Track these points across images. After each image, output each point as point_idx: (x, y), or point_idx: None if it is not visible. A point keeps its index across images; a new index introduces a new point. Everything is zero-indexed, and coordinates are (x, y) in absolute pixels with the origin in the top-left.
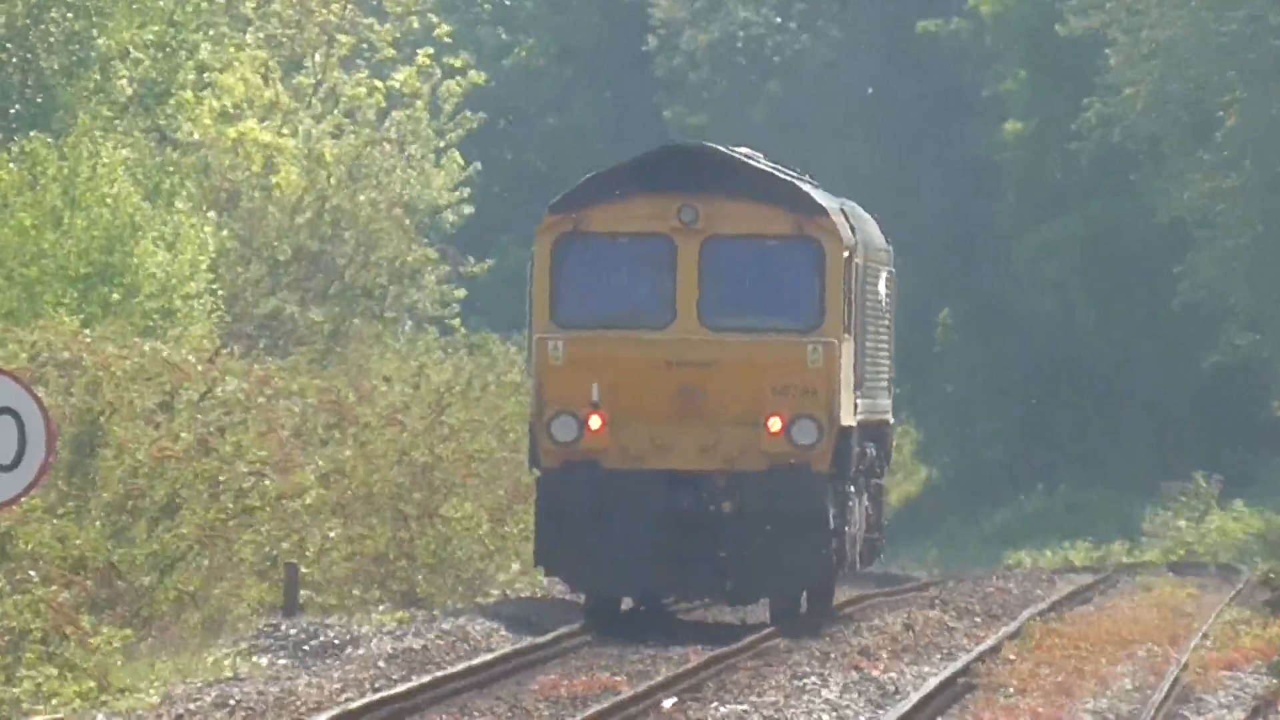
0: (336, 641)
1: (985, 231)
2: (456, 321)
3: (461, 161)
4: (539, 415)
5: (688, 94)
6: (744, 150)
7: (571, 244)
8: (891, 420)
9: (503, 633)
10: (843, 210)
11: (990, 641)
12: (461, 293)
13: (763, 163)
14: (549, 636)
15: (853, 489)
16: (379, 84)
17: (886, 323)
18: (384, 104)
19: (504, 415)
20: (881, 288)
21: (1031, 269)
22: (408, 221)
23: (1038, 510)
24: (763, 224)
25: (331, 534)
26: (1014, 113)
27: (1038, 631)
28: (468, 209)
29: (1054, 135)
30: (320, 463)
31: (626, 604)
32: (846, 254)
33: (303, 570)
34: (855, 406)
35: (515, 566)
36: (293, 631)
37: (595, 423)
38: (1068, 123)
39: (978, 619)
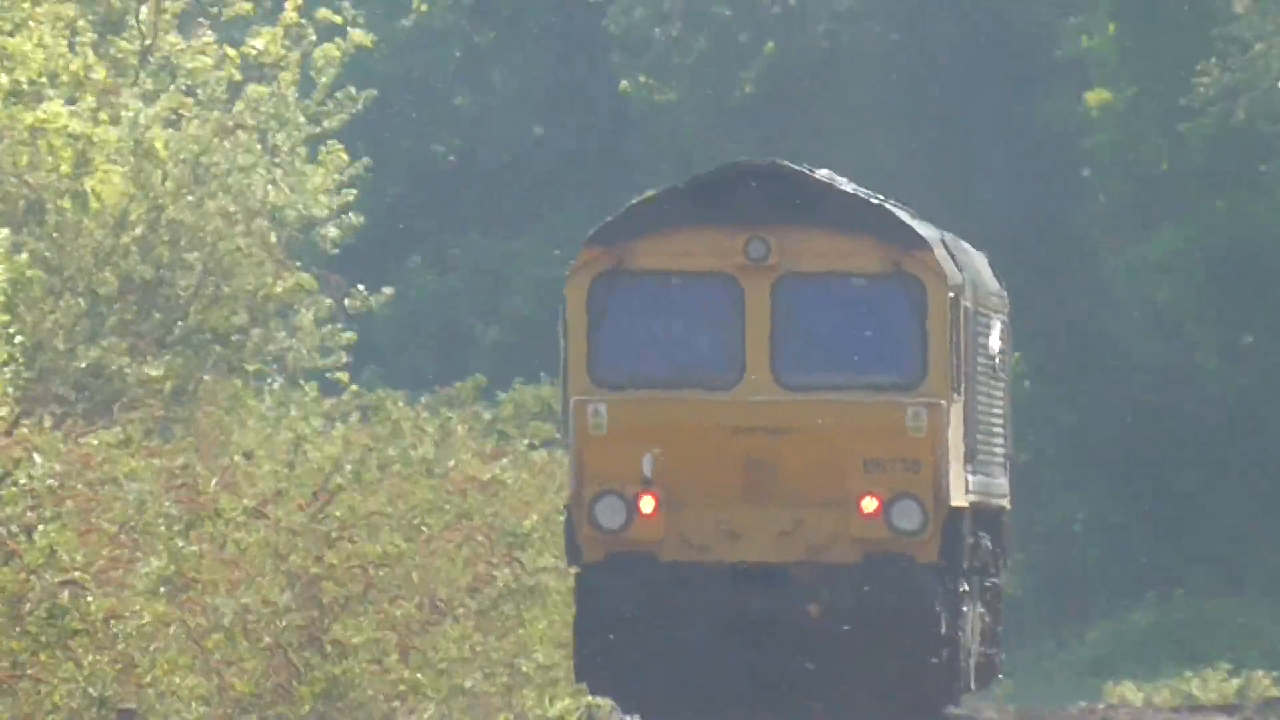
0: None
1: (1067, 242)
2: (344, 376)
3: (345, 155)
4: (578, 497)
5: (653, 58)
6: (823, 172)
7: (615, 285)
8: (1009, 506)
9: None
10: (944, 243)
11: None
12: (350, 336)
13: (846, 185)
14: None
15: (966, 588)
16: (230, 51)
17: (1001, 383)
18: (238, 78)
19: (413, 505)
20: (994, 340)
21: (1131, 294)
22: (274, 238)
23: (1150, 626)
24: (850, 259)
25: (181, 669)
26: (1100, 79)
27: None
28: (356, 220)
29: (1156, 110)
30: (164, 570)
31: None
32: (953, 295)
33: (141, 718)
34: (967, 484)
35: (431, 709)
36: None
37: (648, 505)
38: (1176, 94)
39: None
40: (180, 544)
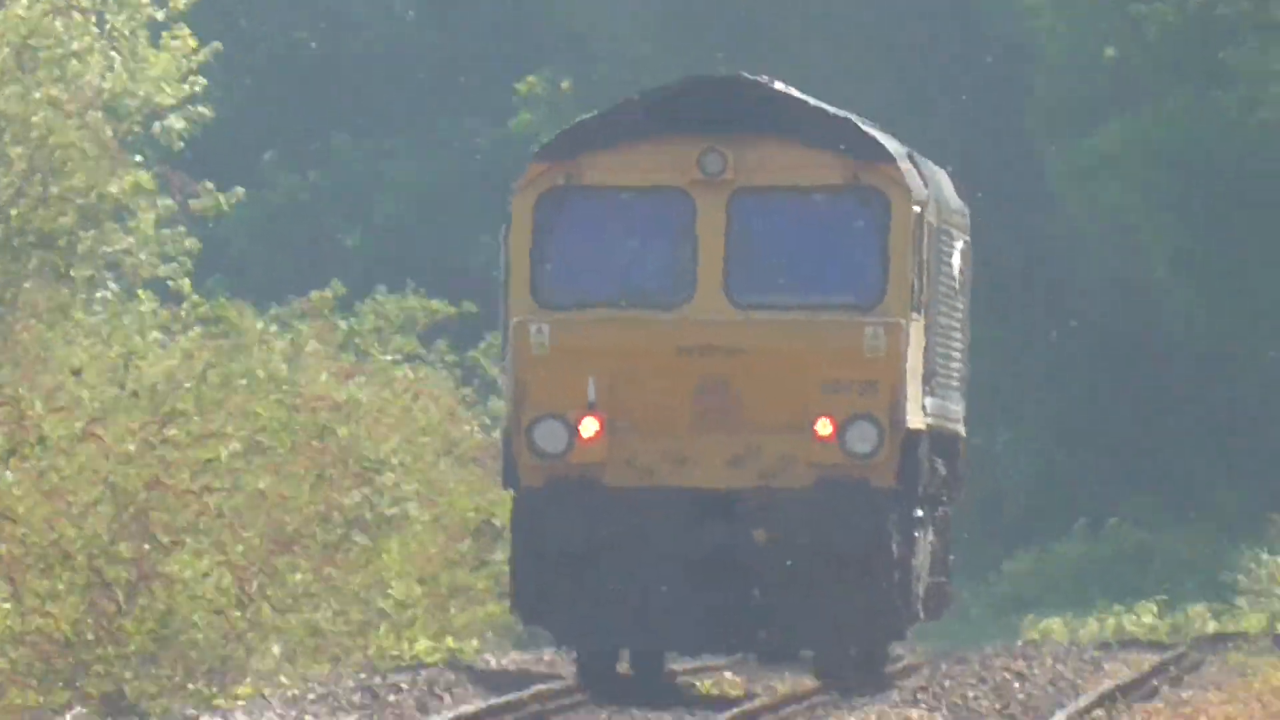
0: None
1: (1015, 148)
2: (186, 284)
3: (193, 41)
4: (516, 420)
5: None
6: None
7: (562, 201)
8: (964, 432)
9: None
10: (910, 157)
11: None
12: (192, 241)
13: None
14: None
15: (920, 514)
16: None
17: (961, 305)
18: None
19: (259, 425)
20: (956, 259)
21: (1078, 198)
22: (110, 132)
23: (1078, 557)
24: (809, 173)
25: None
26: None
27: None
28: (203, 112)
29: None
30: None
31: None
32: (917, 210)
33: None
34: (924, 407)
35: (275, 650)
36: None
37: (590, 428)
38: None
39: None
40: None
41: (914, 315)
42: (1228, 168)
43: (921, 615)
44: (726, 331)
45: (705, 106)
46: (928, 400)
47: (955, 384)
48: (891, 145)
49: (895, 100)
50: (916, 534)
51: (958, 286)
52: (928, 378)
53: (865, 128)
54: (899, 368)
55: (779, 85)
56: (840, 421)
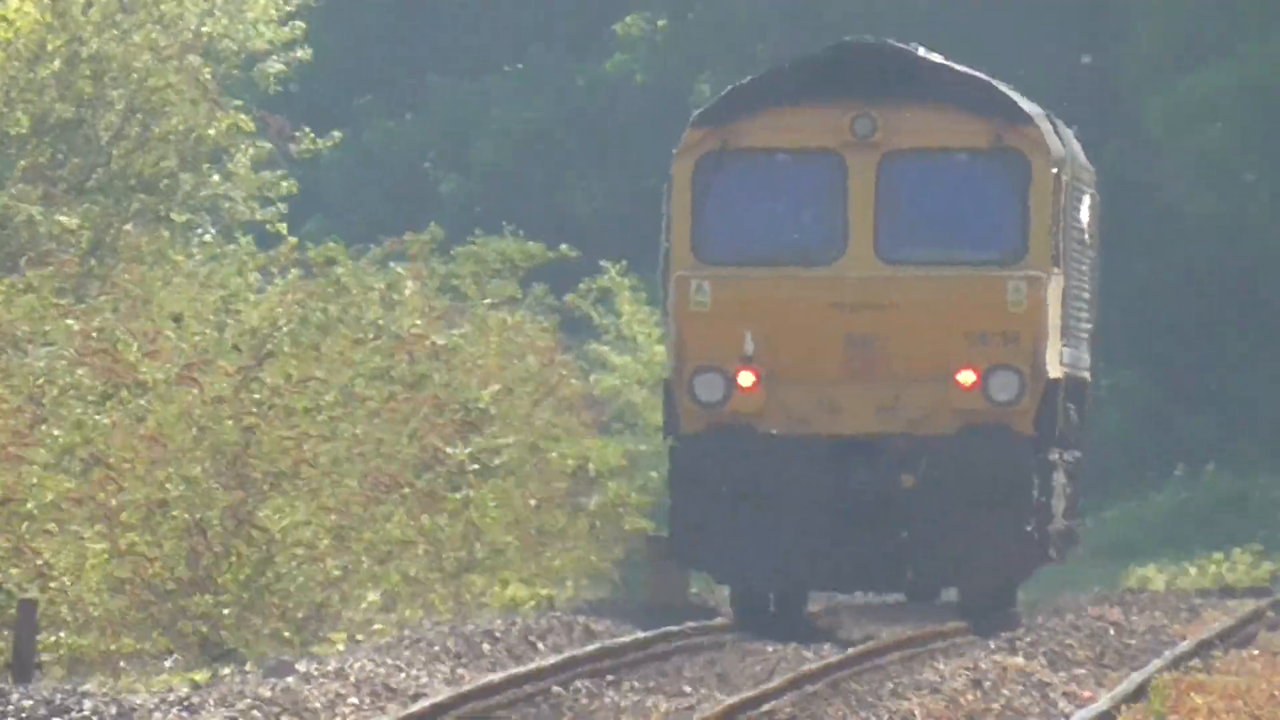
0: (94, 718)
1: (1102, 87)
2: (283, 227)
3: None
4: (678, 372)
5: None
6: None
7: (719, 164)
8: (1090, 380)
9: (351, 701)
10: (1049, 118)
11: (1101, 704)
12: (291, 185)
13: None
14: (419, 707)
15: (1057, 458)
16: None
17: (1090, 258)
18: None
19: (357, 372)
20: (1085, 215)
21: (1174, 141)
22: (208, 75)
23: (1176, 505)
24: (954, 135)
25: (90, 553)
26: None
27: (1174, 691)
28: (301, 55)
29: None
30: (70, 443)
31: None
32: (1055, 170)
33: (44, 608)
34: (1061, 356)
35: (370, 598)
36: (28, 704)
37: (747, 379)
38: None
39: (1082, 670)
40: (92, 416)
41: (1053, 269)
42: None
43: (1054, 555)
44: (876, 287)
45: (854, 73)
46: (1064, 350)
47: (1085, 334)
48: (1030, 107)
49: (995, 44)
50: (1053, 478)
51: (1088, 240)
52: (1065, 329)
53: (1005, 90)
54: (1040, 320)
55: (923, 51)
56: (983, 371)
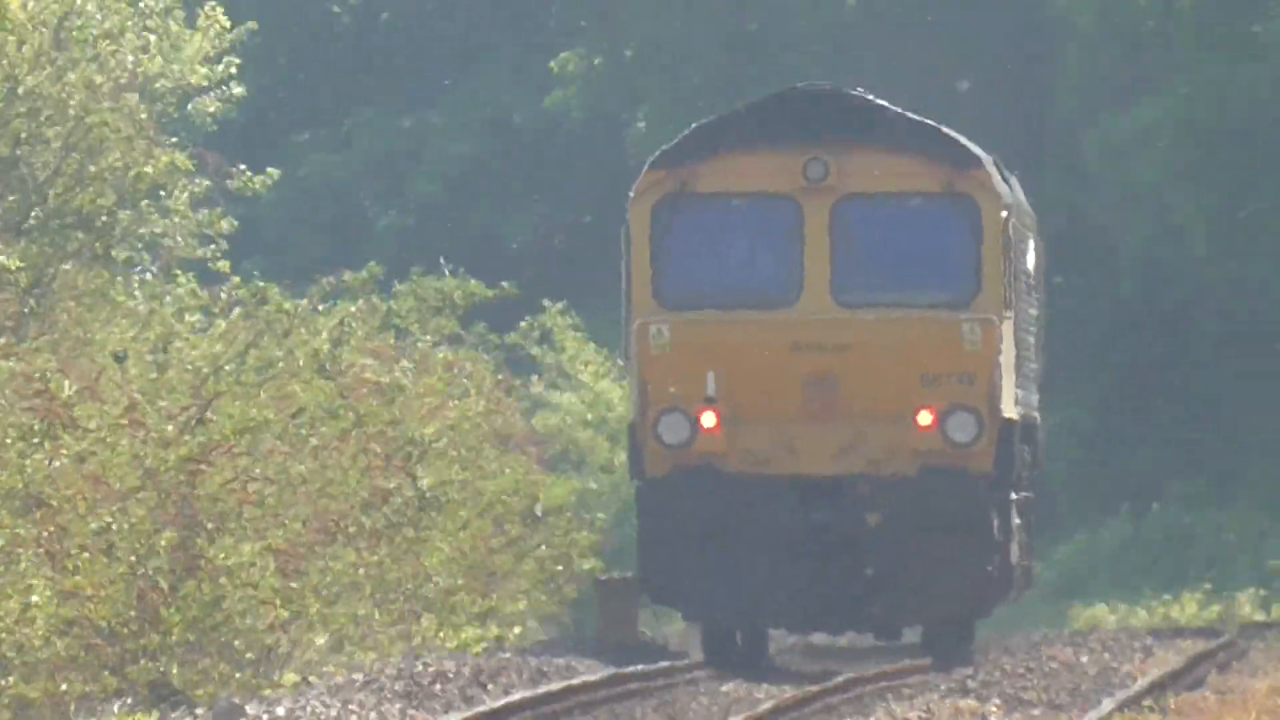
0: None
1: (1047, 125)
2: (224, 265)
3: (225, 21)
4: (642, 414)
5: None
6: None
7: (677, 208)
8: (1039, 420)
9: None
10: (995, 164)
11: None
12: (230, 223)
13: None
14: None
15: (1014, 497)
16: None
17: (1036, 302)
18: None
19: (300, 408)
20: (1030, 258)
21: (1110, 174)
22: (145, 114)
23: (1123, 543)
24: (906, 180)
25: (36, 595)
26: None
27: None
28: (238, 92)
29: None
30: (11, 484)
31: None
32: (1005, 214)
33: None
34: (1015, 397)
35: (321, 639)
36: None
37: (710, 420)
38: None
39: (1035, 711)
40: (33, 457)
41: (1005, 311)
42: (1264, 142)
43: (1014, 593)
44: (833, 329)
45: (807, 118)
46: (1018, 391)
47: (1034, 375)
48: (979, 152)
49: (925, 79)
50: (1011, 517)
51: (1033, 283)
52: (1018, 369)
53: (955, 136)
54: (994, 360)
55: (873, 98)
56: (940, 412)
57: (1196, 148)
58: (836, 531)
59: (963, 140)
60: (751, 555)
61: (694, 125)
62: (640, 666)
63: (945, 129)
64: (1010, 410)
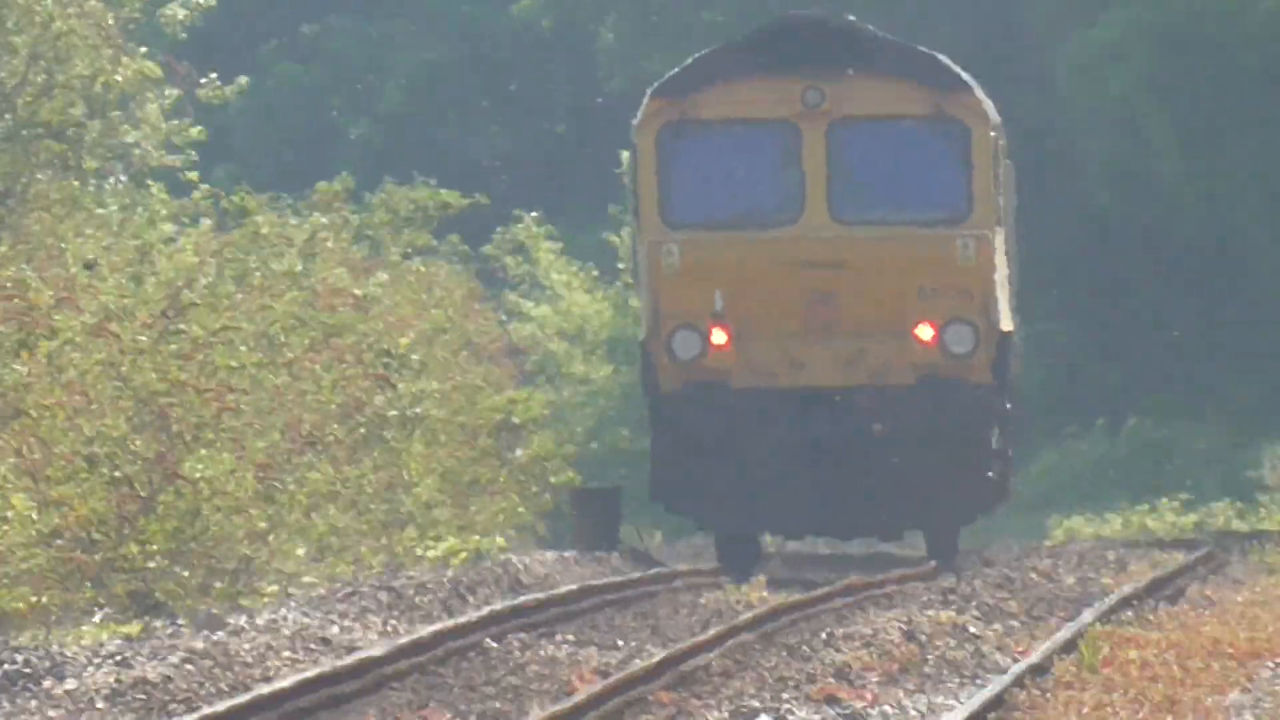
0: (28, 671)
1: (1013, 35)
2: (194, 175)
3: None
4: (654, 331)
5: None
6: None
7: (681, 134)
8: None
9: (285, 654)
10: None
11: (1033, 658)
12: (200, 132)
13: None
14: (352, 660)
15: (1010, 406)
16: None
17: (1011, 215)
18: None
19: (274, 320)
20: (1002, 173)
21: (1080, 88)
22: (111, 20)
23: (1100, 456)
24: (898, 104)
25: (14, 506)
26: None
27: (1105, 642)
28: (204, 1)
29: None
30: None
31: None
32: (994, 135)
33: None
34: (1008, 310)
35: (300, 551)
36: None
37: (720, 337)
38: None
39: (1013, 622)
40: (10, 365)
41: (997, 227)
42: (1233, 53)
43: (1004, 501)
44: (832, 246)
45: (803, 47)
46: (1009, 304)
47: (1012, 288)
48: (968, 77)
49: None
50: (1009, 424)
51: (1012, 201)
52: (1008, 284)
53: (945, 62)
54: (989, 275)
55: (868, 26)
56: (940, 326)
57: (1167, 60)
58: (841, 441)
59: (952, 65)
60: (760, 466)
61: (695, 56)
62: (617, 578)
63: (936, 54)
64: (1005, 322)
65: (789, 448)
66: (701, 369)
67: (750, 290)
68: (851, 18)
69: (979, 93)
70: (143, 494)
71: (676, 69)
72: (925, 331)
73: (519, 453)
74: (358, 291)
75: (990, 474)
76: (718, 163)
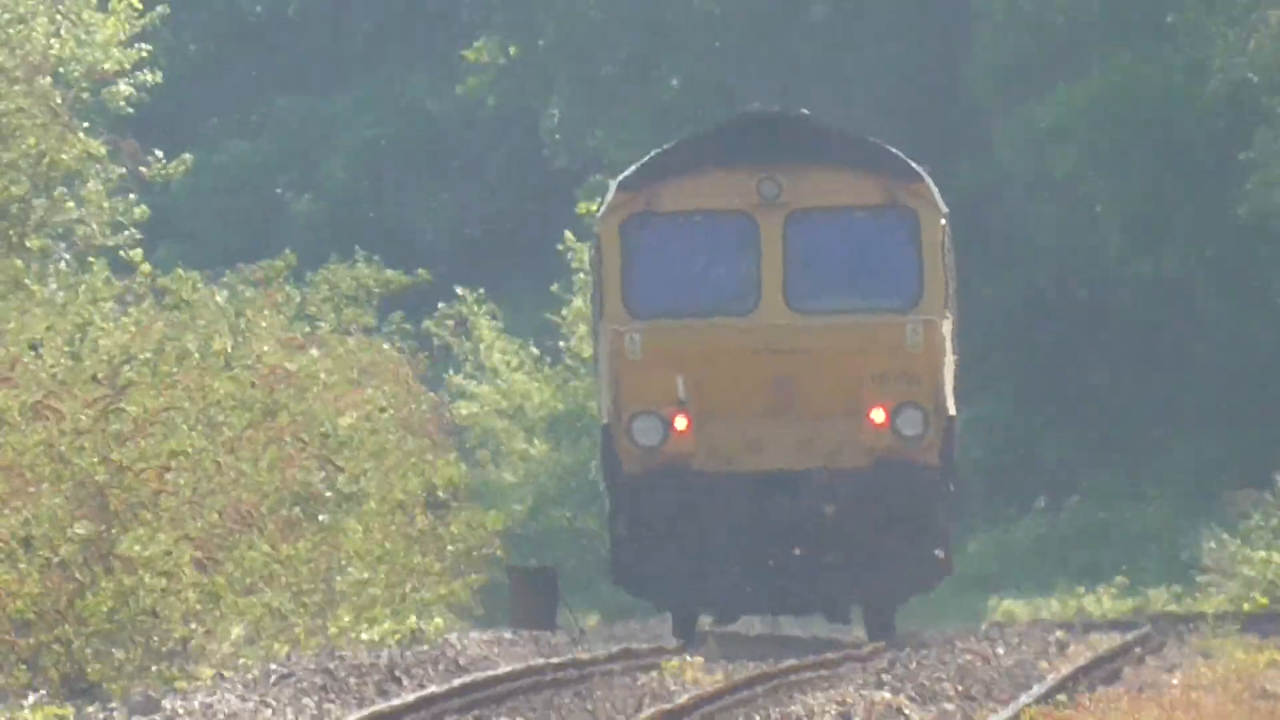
0: None
1: (958, 112)
2: (137, 254)
3: (139, 3)
4: (616, 417)
5: None
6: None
7: (644, 225)
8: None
9: None
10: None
11: None
12: (143, 211)
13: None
14: None
15: (953, 488)
16: None
17: (954, 300)
18: None
19: (214, 400)
20: (948, 260)
21: (1025, 164)
22: (59, 99)
23: (1038, 536)
24: (851, 194)
25: None
26: None
27: None
28: (152, 78)
29: None
30: None
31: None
32: (943, 223)
33: None
34: (953, 393)
35: (236, 631)
36: None
37: (681, 423)
38: None
39: (949, 705)
40: None
41: (945, 313)
42: (1178, 132)
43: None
44: (789, 333)
45: (759, 140)
46: (955, 387)
47: (956, 372)
48: (917, 168)
49: (837, 68)
50: (950, 504)
51: (954, 285)
52: (955, 367)
53: (895, 152)
54: (937, 360)
55: (820, 119)
56: (891, 409)
57: (1110, 137)
58: (796, 521)
59: (901, 156)
60: (719, 547)
61: (655, 151)
62: (555, 659)
63: (886, 145)
64: (952, 407)
65: (747, 528)
66: (663, 453)
67: (710, 376)
68: (804, 110)
69: (929, 182)
70: (80, 577)
71: (639, 163)
72: (878, 415)
73: (452, 524)
74: (290, 365)
75: (937, 551)
76: (679, 253)
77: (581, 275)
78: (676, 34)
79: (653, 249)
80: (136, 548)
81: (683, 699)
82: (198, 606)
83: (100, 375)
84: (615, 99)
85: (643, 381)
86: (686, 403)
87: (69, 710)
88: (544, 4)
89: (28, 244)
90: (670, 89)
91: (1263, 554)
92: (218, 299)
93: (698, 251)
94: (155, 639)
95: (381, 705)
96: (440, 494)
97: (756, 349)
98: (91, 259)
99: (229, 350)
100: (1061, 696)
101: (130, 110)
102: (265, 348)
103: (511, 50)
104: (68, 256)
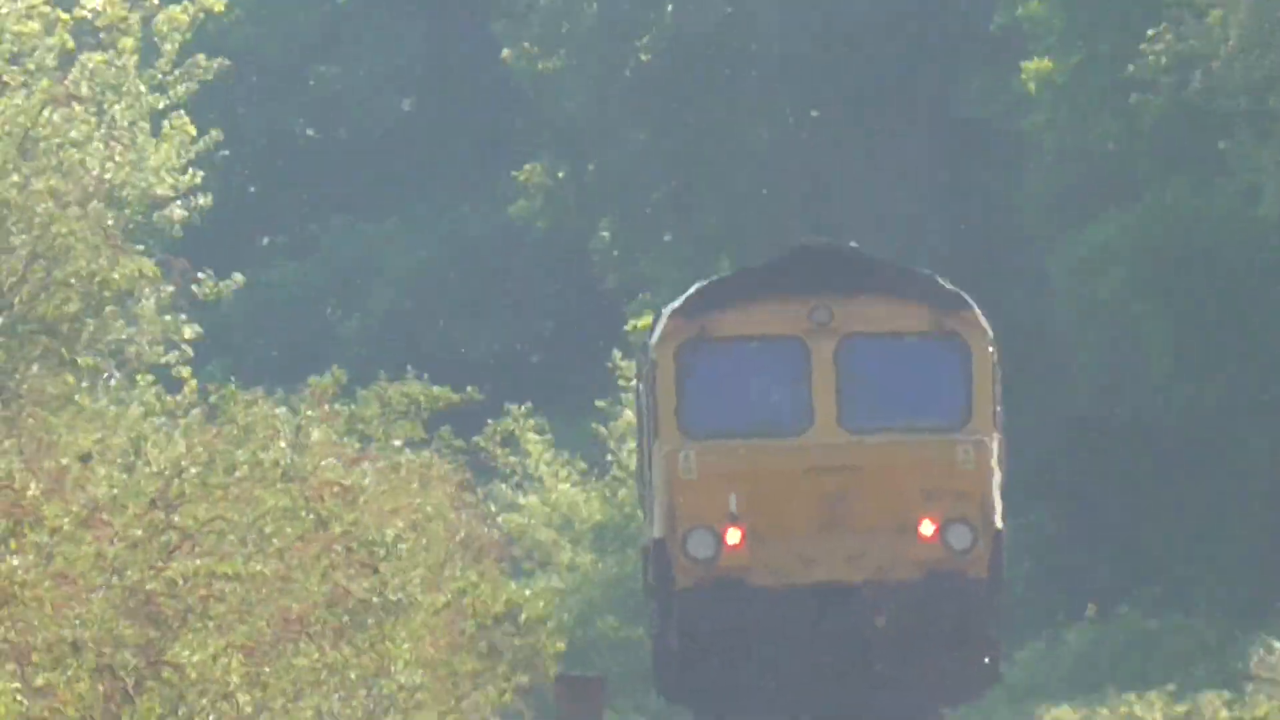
0: None
1: (1006, 237)
2: (187, 371)
3: (192, 130)
4: (670, 531)
5: (539, 24)
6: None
7: (698, 350)
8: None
9: None
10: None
11: None
12: (194, 330)
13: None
14: None
15: (1001, 598)
16: (62, 14)
17: (1000, 418)
18: (70, 44)
19: (263, 512)
20: (996, 381)
21: (1073, 290)
22: (111, 221)
23: (1087, 644)
24: (901, 321)
25: (2, 692)
26: (1039, 49)
27: None
28: (203, 201)
29: (1101, 83)
30: None
31: None
32: (991, 349)
33: None
34: (1002, 508)
35: None
36: None
37: (734, 537)
38: (1123, 64)
39: None
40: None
41: (994, 433)
42: (1228, 261)
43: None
44: (841, 453)
45: (811, 271)
46: (1003, 503)
47: (1003, 488)
48: (964, 295)
49: (889, 191)
50: (999, 615)
51: (1000, 403)
52: (1003, 483)
53: (942, 282)
54: (986, 477)
55: (869, 252)
56: (940, 523)
57: (1159, 266)
58: (848, 634)
59: (949, 285)
60: (775, 657)
61: (708, 280)
62: None
63: (934, 275)
64: (999, 520)
65: (799, 641)
66: (716, 568)
67: (764, 493)
68: (854, 244)
69: (975, 309)
70: (129, 680)
71: (693, 291)
72: (928, 528)
73: (512, 646)
74: (345, 481)
75: (986, 662)
76: (733, 377)
77: (627, 393)
78: (716, 164)
79: (707, 373)
80: (185, 653)
81: None
82: (248, 710)
83: (150, 489)
84: (662, 223)
85: (696, 498)
86: (739, 518)
87: None
88: (591, 136)
89: (79, 361)
90: (716, 211)
91: None
92: (278, 412)
93: (751, 374)
94: None
95: None
96: (524, 618)
97: (809, 467)
98: (139, 375)
99: (287, 463)
100: None
101: (180, 233)
102: (322, 462)
103: (560, 174)
104: (118, 374)
